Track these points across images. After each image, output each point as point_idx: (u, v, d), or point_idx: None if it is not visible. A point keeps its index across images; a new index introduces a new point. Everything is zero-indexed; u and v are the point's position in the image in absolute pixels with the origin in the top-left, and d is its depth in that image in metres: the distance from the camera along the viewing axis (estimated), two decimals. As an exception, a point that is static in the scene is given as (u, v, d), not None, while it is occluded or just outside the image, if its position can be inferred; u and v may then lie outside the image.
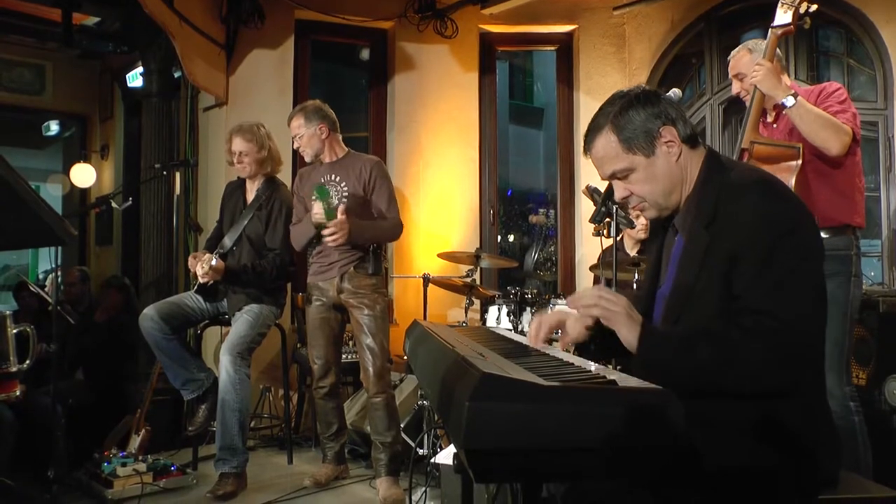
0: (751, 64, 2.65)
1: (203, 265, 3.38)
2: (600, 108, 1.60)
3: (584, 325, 1.53)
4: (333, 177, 3.42)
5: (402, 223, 3.47)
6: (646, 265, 1.84)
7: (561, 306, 3.57)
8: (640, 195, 1.58)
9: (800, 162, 2.42)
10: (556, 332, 1.62)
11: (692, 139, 1.57)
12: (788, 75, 2.86)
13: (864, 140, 2.70)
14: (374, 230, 3.38)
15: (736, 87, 2.81)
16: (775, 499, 1.40)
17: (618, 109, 1.55)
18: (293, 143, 3.49)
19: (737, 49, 2.84)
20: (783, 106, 2.53)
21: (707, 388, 1.37)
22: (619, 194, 1.61)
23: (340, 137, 3.52)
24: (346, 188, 3.39)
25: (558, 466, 1.02)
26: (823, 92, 2.64)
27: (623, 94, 1.58)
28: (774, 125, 2.75)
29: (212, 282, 3.44)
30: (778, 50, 2.73)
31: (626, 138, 1.53)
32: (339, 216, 3.20)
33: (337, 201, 3.32)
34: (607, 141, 1.55)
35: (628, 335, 1.44)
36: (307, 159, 3.50)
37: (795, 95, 2.50)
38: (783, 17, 2.57)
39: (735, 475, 1.37)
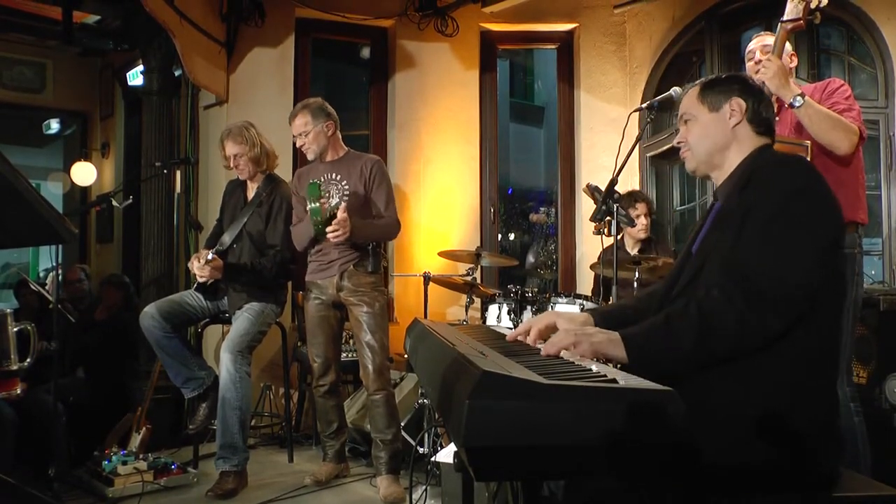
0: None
1: (199, 260, 3.38)
2: None
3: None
4: (335, 175, 3.42)
5: (399, 222, 3.47)
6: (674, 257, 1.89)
7: (560, 305, 3.56)
8: (690, 142, 1.76)
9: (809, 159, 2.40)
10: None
11: (758, 121, 1.70)
12: (793, 72, 2.84)
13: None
14: (374, 229, 3.38)
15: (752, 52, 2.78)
16: (775, 495, 1.41)
17: (715, 77, 1.80)
18: (296, 140, 3.47)
19: (765, 33, 2.83)
20: (791, 106, 2.50)
21: (707, 361, 1.44)
22: (678, 138, 1.80)
23: (340, 136, 3.52)
24: (347, 187, 3.39)
25: (558, 464, 1.02)
26: (828, 88, 2.61)
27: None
28: (776, 118, 2.73)
29: (211, 280, 3.44)
30: (789, 45, 2.70)
31: (704, 92, 1.76)
32: (341, 214, 3.19)
33: (338, 199, 3.32)
34: (693, 91, 1.79)
35: (618, 353, 1.46)
36: (310, 157, 3.48)
37: (803, 95, 2.47)
38: (793, 11, 2.52)
39: (735, 471, 1.38)
